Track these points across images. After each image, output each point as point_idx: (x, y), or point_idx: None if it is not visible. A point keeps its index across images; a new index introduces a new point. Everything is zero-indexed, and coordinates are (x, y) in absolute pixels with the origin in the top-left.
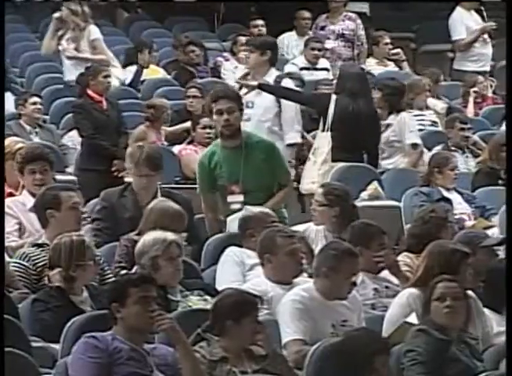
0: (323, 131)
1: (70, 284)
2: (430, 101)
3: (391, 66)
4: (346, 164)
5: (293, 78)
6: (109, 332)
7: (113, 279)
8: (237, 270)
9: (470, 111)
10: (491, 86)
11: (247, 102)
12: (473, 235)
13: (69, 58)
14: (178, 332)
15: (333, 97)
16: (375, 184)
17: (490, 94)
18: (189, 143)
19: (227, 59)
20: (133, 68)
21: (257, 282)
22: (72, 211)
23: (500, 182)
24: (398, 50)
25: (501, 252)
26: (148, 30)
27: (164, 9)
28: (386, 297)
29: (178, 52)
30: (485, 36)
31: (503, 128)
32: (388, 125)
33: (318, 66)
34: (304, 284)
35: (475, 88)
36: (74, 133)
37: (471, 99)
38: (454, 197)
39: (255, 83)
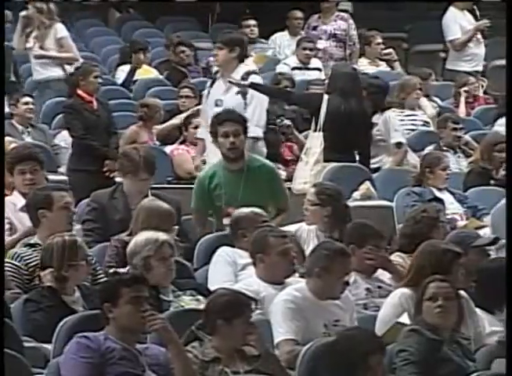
0: (315, 131)
1: (62, 284)
2: (423, 101)
3: (383, 66)
4: (338, 164)
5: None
6: (102, 332)
7: (105, 279)
8: (229, 270)
9: (461, 111)
10: (482, 86)
11: (216, 100)
12: (464, 235)
13: (36, 57)
14: (170, 332)
15: (325, 97)
16: (367, 184)
17: (481, 94)
18: (181, 143)
19: None
20: (125, 68)
21: (250, 282)
22: (64, 211)
23: (492, 182)
24: (390, 50)
25: (492, 252)
26: (140, 30)
27: (156, 9)
28: (378, 297)
29: (169, 53)
30: (479, 36)
31: (495, 128)
32: (373, 124)
33: (310, 66)
34: (297, 284)
35: (465, 88)
36: (67, 133)
37: (462, 99)
38: (446, 196)
39: (247, 82)
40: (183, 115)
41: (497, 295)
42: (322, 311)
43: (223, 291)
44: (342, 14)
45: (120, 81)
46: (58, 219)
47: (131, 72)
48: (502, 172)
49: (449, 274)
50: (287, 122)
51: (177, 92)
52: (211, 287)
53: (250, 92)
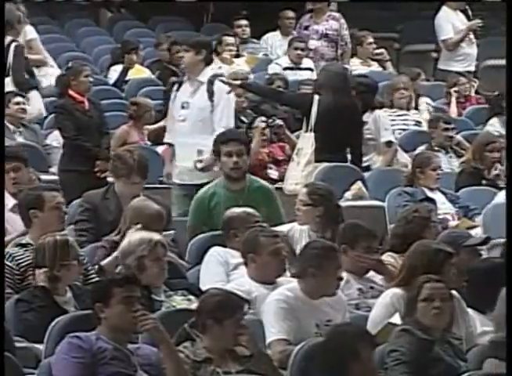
0: (306, 131)
1: (54, 284)
2: (422, 105)
3: (375, 67)
4: (330, 164)
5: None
6: (93, 332)
7: (97, 279)
8: (221, 270)
9: (452, 111)
10: (473, 86)
11: (183, 103)
12: (456, 235)
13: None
14: (161, 332)
15: (316, 97)
16: (359, 184)
17: (473, 94)
18: None
19: None
20: (118, 68)
21: (241, 282)
22: (55, 211)
23: (484, 182)
24: (382, 50)
25: (484, 252)
26: (131, 29)
27: (148, 9)
28: (371, 297)
29: (160, 52)
30: (471, 36)
31: (487, 127)
32: (363, 123)
33: (302, 66)
34: (289, 284)
35: (456, 88)
36: (58, 133)
37: (453, 100)
38: (438, 196)
39: (237, 82)
40: None
41: (488, 295)
42: (315, 311)
43: (215, 291)
44: (334, 14)
45: (112, 82)
46: (49, 219)
47: (124, 72)
48: (493, 172)
49: (441, 274)
50: (279, 122)
51: None
52: (203, 287)
53: (217, 93)
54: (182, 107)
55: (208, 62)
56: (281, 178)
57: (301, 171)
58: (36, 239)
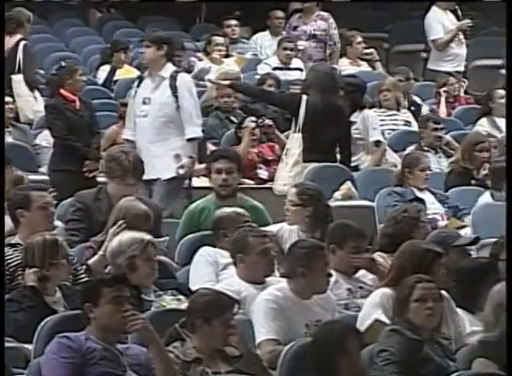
0: (295, 132)
1: (43, 284)
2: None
3: (365, 66)
4: (319, 164)
5: (271, 76)
6: (83, 332)
7: (86, 279)
8: (211, 270)
9: (442, 111)
10: (462, 86)
11: (144, 98)
12: (445, 235)
13: None
14: (151, 332)
15: (304, 97)
16: (348, 184)
17: (462, 94)
18: None
19: (200, 59)
20: (107, 68)
21: (231, 282)
22: (42, 211)
23: (473, 182)
24: (372, 50)
25: (473, 252)
26: (121, 29)
27: (137, 9)
28: (360, 297)
29: None
30: (461, 36)
31: (476, 127)
32: (351, 123)
33: (291, 66)
34: (278, 284)
35: (445, 88)
36: (48, 132)
37: (443, 100)
38: (427, 197)
39: (227, 82)
40: None
41: (477, 295)
42: (304, 311)
43: (205, 291)
44: (322, 14)
45: (100, 82)
46: (37, 219)
47: (111, 72)
48: (482, 172)
49: (430, 274)
50: (269, 122)
51: None
52: (193, 287)
53: (181, 89)
54: (144, 103)
55: (170, 57)
56: (271, 178)
57: (288, 171)
58: (25, 239)
